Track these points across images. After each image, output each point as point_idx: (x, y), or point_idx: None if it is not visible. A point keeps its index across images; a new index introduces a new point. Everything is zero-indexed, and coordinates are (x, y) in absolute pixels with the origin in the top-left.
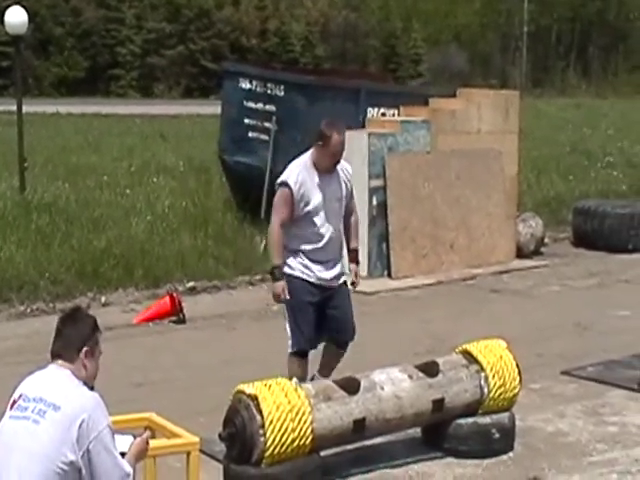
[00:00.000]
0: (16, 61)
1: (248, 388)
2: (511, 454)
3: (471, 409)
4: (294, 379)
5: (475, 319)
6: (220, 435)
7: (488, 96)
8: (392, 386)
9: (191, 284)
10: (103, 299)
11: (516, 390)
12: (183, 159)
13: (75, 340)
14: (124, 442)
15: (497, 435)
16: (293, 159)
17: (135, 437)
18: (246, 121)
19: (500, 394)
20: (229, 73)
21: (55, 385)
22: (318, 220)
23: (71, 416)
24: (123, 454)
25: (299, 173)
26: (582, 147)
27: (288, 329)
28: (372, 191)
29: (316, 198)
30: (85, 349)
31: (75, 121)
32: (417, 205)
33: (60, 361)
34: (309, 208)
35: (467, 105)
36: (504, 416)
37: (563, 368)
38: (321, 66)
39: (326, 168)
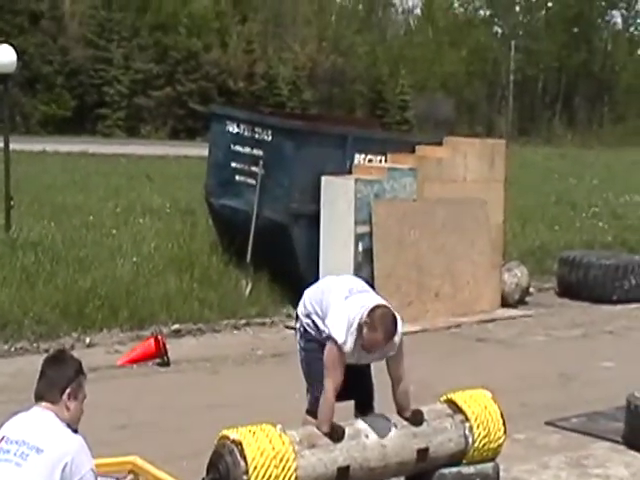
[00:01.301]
0: (4, 99)
1: (232, 434)
2: None
3: (455, 459)
4: (279, 425)
5: (459, 368)
6: None
7: (474, 145)
8: (376, 434)
9: (176, 327)
10: (87, 340)
11: (501, 441)
12: (169, 200)
13: (58, 382)
14: None
15: None
16: (281, 203)
17: None
18: (233, 165)
19: (484, 444)
20: (216, 116)
21: (38, 427)
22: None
23: (54, 459)
24: None
25: (352, 342)
26: (567, 197)
27: (307, 386)
28: (358, 237)
29: (351, 358)
30: (68, 391)
31: (61, 160)
32: (402, 252)
33: (44, 403)
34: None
35: (453, 153)
36: (488, 466)
37: (547, 418)
38: (308, 110)
39: (365, 349)
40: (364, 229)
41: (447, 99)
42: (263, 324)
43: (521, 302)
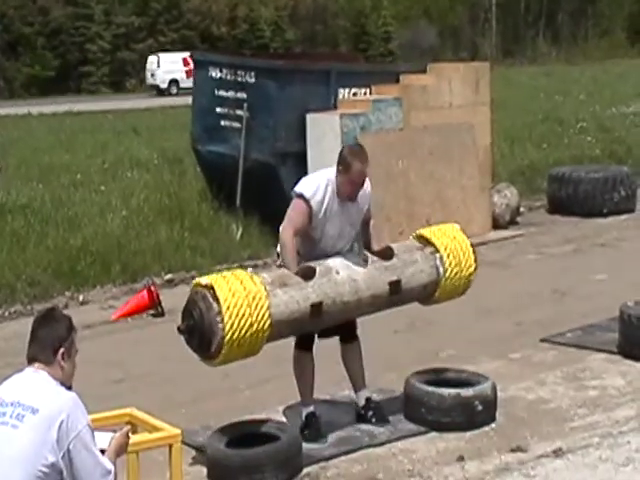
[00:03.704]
0: None
1: (204, 280)
2: (493, 425)
3: (429, 291)
4: (249, 269)
5: None
6: (179, 328)
7: (458, 70)
8: (347, 270)
9: (169, 276)
10: (81, 297)
11: (472, 269)
12: (156, 152)
13: (51, 342)
14: (104, 439)
15: (480, 407)
16: (267, 144)
17: (116, 433)
18: (218, 110)
19: (456, 273)
20: (199, 62)
21: (32, 388)
22: (329, 242)
23: (50, 418)
24: (103, 451)
25: (323, 195)
26: (555, 114)
27: None
28: None
29: (333, 225)
30: (62, 350)
31: (47, 121)
32: (391, 183)
33: (37, 364)
34: (324, 231)
35: (438, 80)
36: (486, 387)
37: (542, 336)
38: (291, 50)
39: (347, 196)
40: None
41: (430, 27)
42: (255, 266)
43: (512, 223)
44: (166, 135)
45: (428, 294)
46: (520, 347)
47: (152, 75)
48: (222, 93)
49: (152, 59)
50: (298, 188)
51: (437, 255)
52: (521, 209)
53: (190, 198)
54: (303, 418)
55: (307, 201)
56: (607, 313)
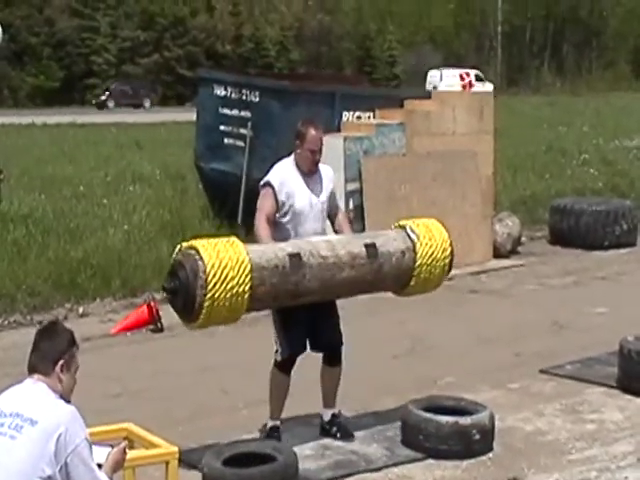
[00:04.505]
0: None
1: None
2: (490, 455)
3: (407, 259)
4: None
5: (453, 320)
6: (164, 287)
7: (463, 97)
8: (321, 237)
9: None
10: (81, 310)
11: (445, 236)
12: (159, 167)
13: (51, 354)
14: (102, 453)
15: (477, 436)
16: (269, 164)
17: (113, 448)
18: (221, 128)
19: (430, 238)
20: (204, 80)
21: (32, 399)
22: (300, 223)
23: (48, 430)
24: (100, 465)
25: (282, 173)
26: (558, 145)
27: (275, 336)
28: (349, 194)
29: (299, 200)
30: (61, 362)
31: (50, 131)
32: (393, 207)
33: (36, 375)
34: (292, 210)
35: (442, 107)
36: (484, 416)
37: (541, 367)
38: (296, 70)
39: (307, 167)
40: (354, 186)
41: (435, 53)
42: None
43: (513, 252)
44: (169, 150)
45: (408, 265)
46: (519, 377)
47: (434, 88)
48: (226, 111)
49: (434, 73)
50: (264, 179)
51: (407, 229)
52: (522, 239)
53: (192, 215)
54: (267, 429)
55: (268, 183)
56: (607, 347)
